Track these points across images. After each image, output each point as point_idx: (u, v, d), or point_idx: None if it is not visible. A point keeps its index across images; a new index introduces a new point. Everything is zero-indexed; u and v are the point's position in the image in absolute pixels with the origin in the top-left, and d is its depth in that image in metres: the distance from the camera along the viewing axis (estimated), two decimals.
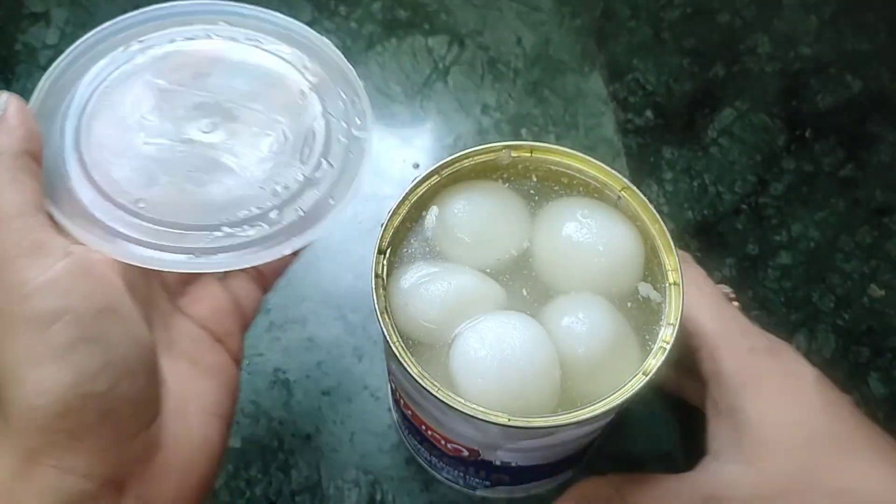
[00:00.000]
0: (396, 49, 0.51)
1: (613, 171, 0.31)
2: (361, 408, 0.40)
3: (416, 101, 0.49)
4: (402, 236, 0.30)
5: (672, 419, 0.40)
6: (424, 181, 0.30)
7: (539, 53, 0.51)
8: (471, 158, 0.31)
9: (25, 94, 0.49)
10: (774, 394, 0.28)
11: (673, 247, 0.29)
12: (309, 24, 0.53)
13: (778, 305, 0.43)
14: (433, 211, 0.31)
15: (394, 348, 0.27)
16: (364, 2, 0.52)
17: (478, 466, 0.32)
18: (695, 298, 0.30)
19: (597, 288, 0.29)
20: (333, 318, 0.43)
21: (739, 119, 0.48)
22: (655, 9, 0.52)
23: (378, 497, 0.38)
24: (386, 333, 0.27)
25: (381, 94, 0.49)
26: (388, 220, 0.30)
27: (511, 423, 0.26)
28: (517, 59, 0.51)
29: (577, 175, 0.31)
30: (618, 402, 0.26)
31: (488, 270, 0.30)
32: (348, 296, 0.43)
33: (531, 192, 0.32)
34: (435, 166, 0.30)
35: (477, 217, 0.30)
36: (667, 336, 0.27)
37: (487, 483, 0.34)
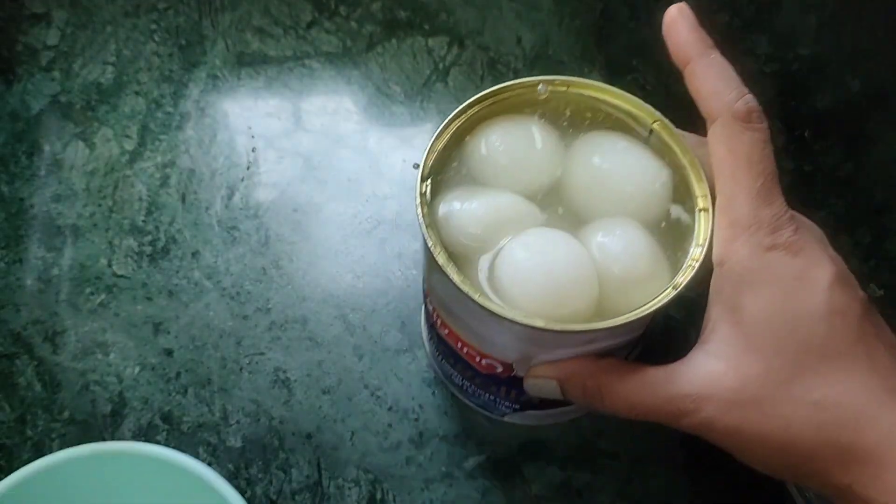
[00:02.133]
0: (396, 49, 0.51)
1: (647, 105, 0.32)
2: (362, 407, 0.41)
3: (416, 101, 0.49)
4: (442, 164, 0.32)
5: None
6: (464, 112, 0.32)
7: (539, 53, 0.51)
8: (510, 91, 0.32)
9: (26, 94, 0.49)
10: (779, 297, 0.27)
11: (703, 175, 0.30)
12: (309, 25, 0.53)
13: None
14: (473, 140, 0.32)
15: (437, 258, 0.28)
16: (364, 2, 0.52)
17: (510, 386, 0.33)
18: (739, 172, 0.28)
19: (628, 213, 0.31)
20: (333, 317, 0.43)
21: None
22: (655, 9, 0.52)
23: (378, 496, 0.39)
24: (430, 245, 0.28)
25: (381, 94, 0.50)
26: (430, 147, 0.31)
27: (548, 327, 0.27)
28: (517, 60, 0.51)
29: (612, 110, 0.33)
30: (649, 311, 0.28)
31: (524, 195, 0.32)
32: (348, 295, 0.43)
33: (566, 125, 0.33)
34: (475, 97, 0.32)
35: (514, 147, 0.32)
36: (696, 254, 0.29)
37: (517, 406, 0.36)
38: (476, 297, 0.27)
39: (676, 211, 0.31)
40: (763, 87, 0.50)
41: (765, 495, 0.38)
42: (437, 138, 0.31)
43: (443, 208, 0.31)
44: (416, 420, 0.40)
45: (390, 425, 0.40)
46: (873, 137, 0.48)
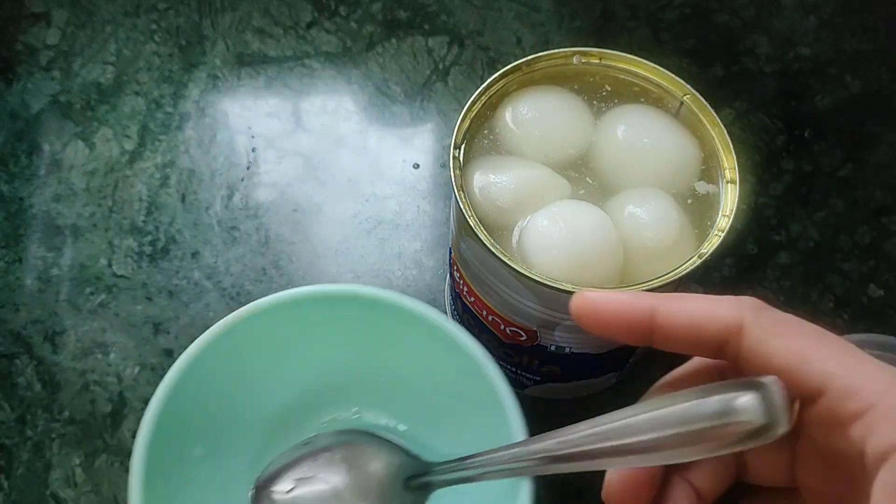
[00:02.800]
0: (396, 49, 0.51)
1: (678, 79, 0.33)
2: None
3: (416, 101, 0.49)
4: (474, 132, 0.32)
5: None
6: (498, 80, 0.33)
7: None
8: (543, 61, 0.33)
9: (26, 93, 0.49)
10: None
11: (731, 147, 0.31)
12: (309, 25, 0.53)
13: (777, 305, 0.42)
14: (504, 110, 0.33)
15: (468, 220, 0.29)
16: (364, 2, 0.52)
17: (532, 355, 0.34)
18: (845, 355, 0.22)
19: (656, 185, 0.32)
20: None
21: (738, 119, 0.48)
22: (654, 9, 0.52)
23: None
24: (462, 207, 0.29)
25: (381, 94, 0.49)
26: (464, 115, 0.32)
27: (575, 290, 0.27)
28: (517, 60, 0.51)
29: (643, 83, 0.33)
30: (674, 278, 0.28)
31: (553, 166, 0.32)
32: None
33: (598, 98, 0.34)
34: (509, 67, 0.33)
35: (545, 117, 0.32)
36: (722, 225, 0.29)
37: (538, 378, 0.36)
38: (505, 258, 0.28)
39: (702, 186, 0.31)
40: (763, 87, 0.50)
41: None
42: (470, 106, 0.32)
43: (475, 174, 0.31)
44: None
45: None
46: (873, 138, 0.48)
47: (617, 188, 0.32)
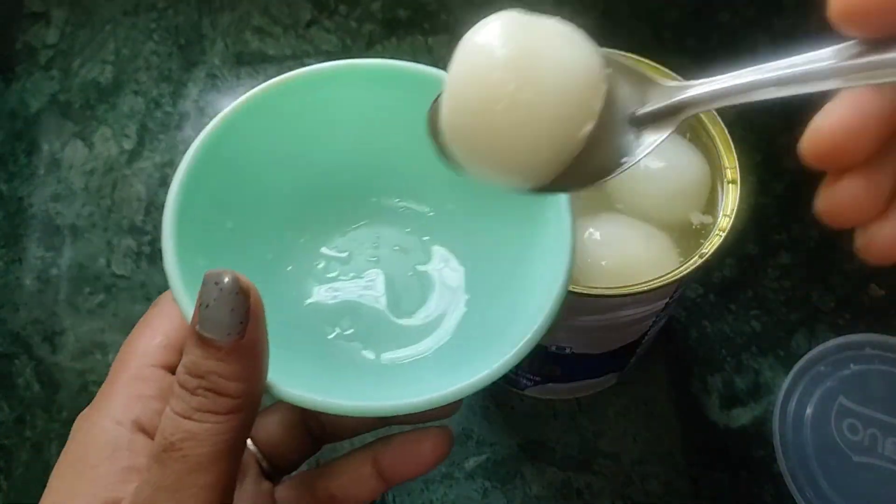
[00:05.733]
0: (396, 48, 0.51)
1: (680, 78, 0.32)
2: None
3: None
4: None
5: (671, 418, 0.40)
6: None
7: None
8: None
9: (25, 93, 0.49)
10: None
11: (732, 146, 0.31)
12: (308, 24, 0.53)
13: (778, 305, 0.43)
14: None
15: None
16: (364, 1, 0.52)
17: (532, 355, 0.33)
18: None
19: (655, 214, 0.32)
20: None
21: (739, 119, 0.48)
22: (655, 8, 0.52)
23: (378, 496, 0.38)
24: None
25: None
26: None
27: (574, 290, 0.28)
28: None
29: None
30: (675, 279, 0.28)
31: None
32: None
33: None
34: None
35: None
36: (723, 224, 0.29)
37: (538, 378, 0.36)
38: None
39: (697, 217, 0.31)
40: None
41: (765, 495, 0.38)
42: None
43: None
44: None
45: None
46: None
47: (603, 207, 0.32)
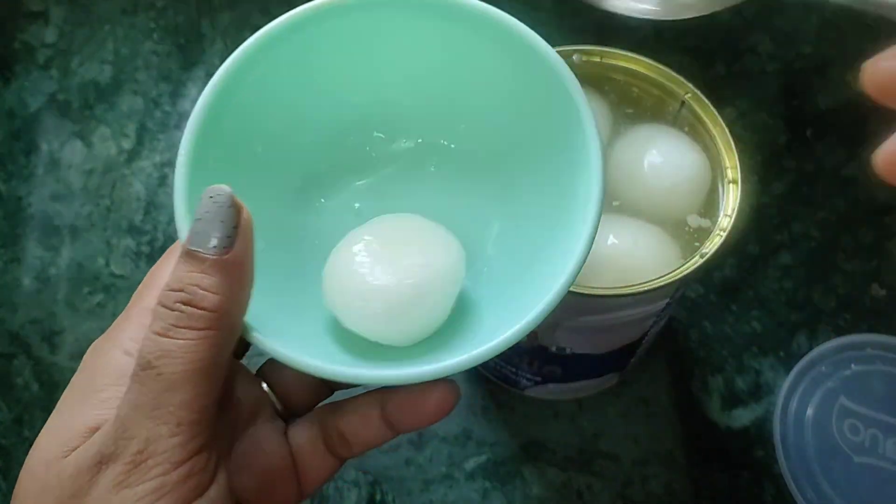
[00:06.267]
0: None
1: (679, 77, 0.33)
2: None
3: None
4: None
5: (672, 419, 0.40)
6: None
7: None
8: None
9: (23, 92, 0.49)
10: None
11: (733, 146, 0.31)
12: None
13: (779, 305, 0.43)
14: None
15: None
16: None
17: (533, 355, 0.34)
18: None
19: (654, 211, 0.32)
20: None
21: (740, 118, 0.48)
22: None
23: (378, 497, 0.38)
24: None
25: None
26: None
27: (576, 291, 0.27)
28: None
29: (643, 83, 0.33)
30: (675, 279, 0.28)
31: None
32: None
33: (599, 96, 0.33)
34: None
35: None
36: (724, 224, 0.29)
37: (538, 379, 0.36)
38: None
39: (695, 219, 0.31)
40: (765, 86, 0.49)
41: (765, 496, 0.38)
42: None
43: None
44: None
45: None
46: (875, 137, 0.48)
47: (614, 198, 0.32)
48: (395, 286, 0.24)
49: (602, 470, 0.39)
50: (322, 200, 0.28)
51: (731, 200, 0.30)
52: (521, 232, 0.27)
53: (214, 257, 0.20)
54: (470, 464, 0.39)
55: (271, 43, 0.26)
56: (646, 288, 0.28)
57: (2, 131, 0.48)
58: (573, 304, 0.29)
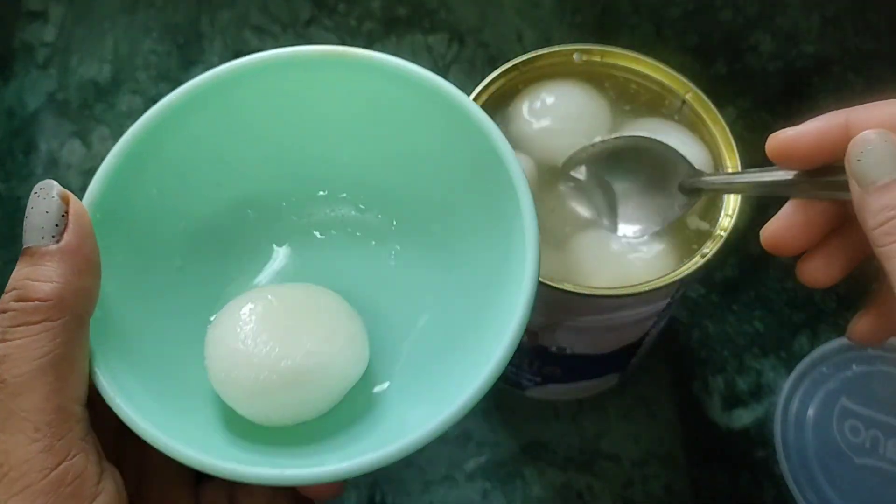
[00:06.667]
0: (396, 47, 0.50)
1: (680, 77, 0.32)
2: None
3: None
4: None
5: (673, 419, 0.40)
6: (498, 79, 0.32)
7: None
8: (544, 59, 0.33)
9: (22, 91, 0.49)
10: None
11: (734, 146, 0.31)
12: (308, 23, 0.53)
13: (780, 306, 0.42)
14: (518, 103, 0.33)
15: None
16: None
17: (533, 355, 0.34)
18: None
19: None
20: None
21: (741, 118, 0.48)
22: (657, 6, 0.52)
23: (377, 498, 0.38)
24: None
25: None
26: None
27: (576, 291, 0.28)
28: (517, 57, 0.50)
29: (644, 80, 0.33)
30: (677, 279, 0.28)
31: (552, 167, 0.32)
32: None
33: (600, 94, 0.34)
34: (510, 64, 0.33)
35: (559, 109, 0.33)
36: (724, 224, 0.29)
37: (538, 379, 0.36)
38: None
39: (694, 221, 0.31)
40: (766, 85, 0.49)
41: (766, 497, 0.38)
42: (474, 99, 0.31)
43: None
44: None
45: None
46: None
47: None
48: (271, 364, 0.22)
49: (602, 470, 0.39)
50: (246, 263, 0.28)
51: (732, 200, 0.30)
52: (449, 316, 0.26)
53: (45, 249, 0.20)
54: (470, 464, 0.39)
55: (173, 115, 0.27)
56: (647, 288, 0.28)
57: (1, 131, 0.48)
58: (574, 305, 0.29)
